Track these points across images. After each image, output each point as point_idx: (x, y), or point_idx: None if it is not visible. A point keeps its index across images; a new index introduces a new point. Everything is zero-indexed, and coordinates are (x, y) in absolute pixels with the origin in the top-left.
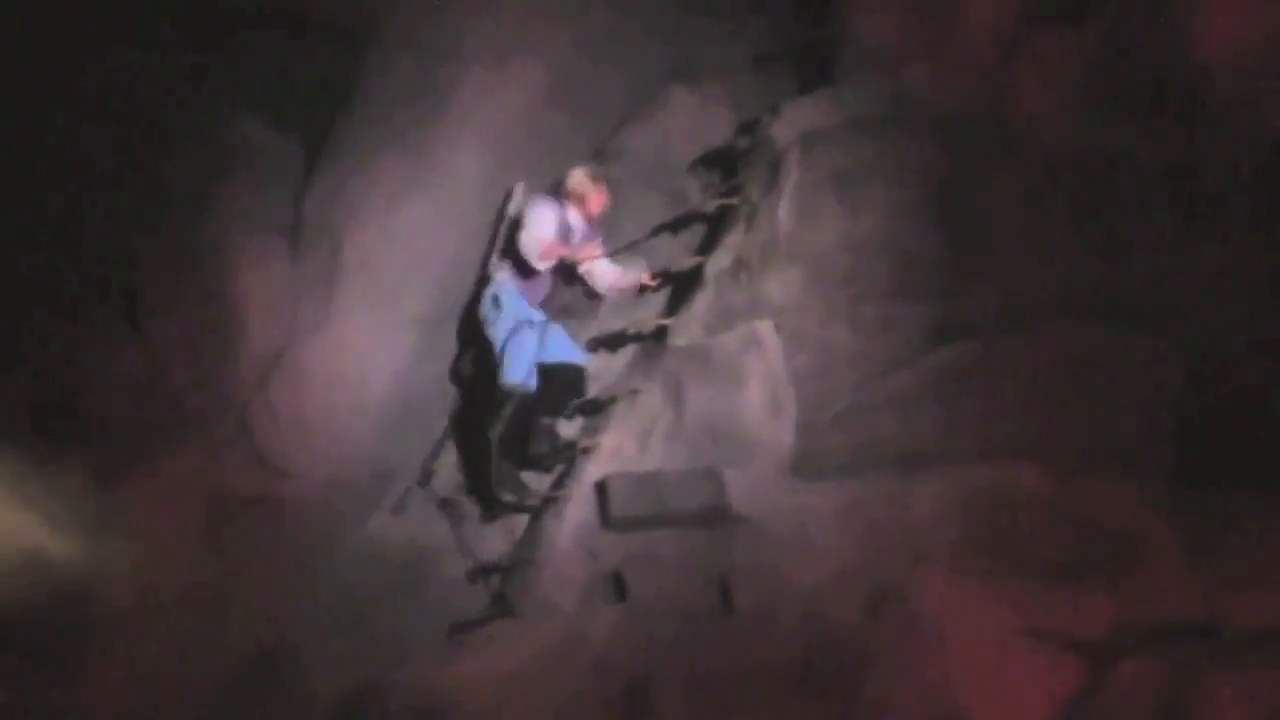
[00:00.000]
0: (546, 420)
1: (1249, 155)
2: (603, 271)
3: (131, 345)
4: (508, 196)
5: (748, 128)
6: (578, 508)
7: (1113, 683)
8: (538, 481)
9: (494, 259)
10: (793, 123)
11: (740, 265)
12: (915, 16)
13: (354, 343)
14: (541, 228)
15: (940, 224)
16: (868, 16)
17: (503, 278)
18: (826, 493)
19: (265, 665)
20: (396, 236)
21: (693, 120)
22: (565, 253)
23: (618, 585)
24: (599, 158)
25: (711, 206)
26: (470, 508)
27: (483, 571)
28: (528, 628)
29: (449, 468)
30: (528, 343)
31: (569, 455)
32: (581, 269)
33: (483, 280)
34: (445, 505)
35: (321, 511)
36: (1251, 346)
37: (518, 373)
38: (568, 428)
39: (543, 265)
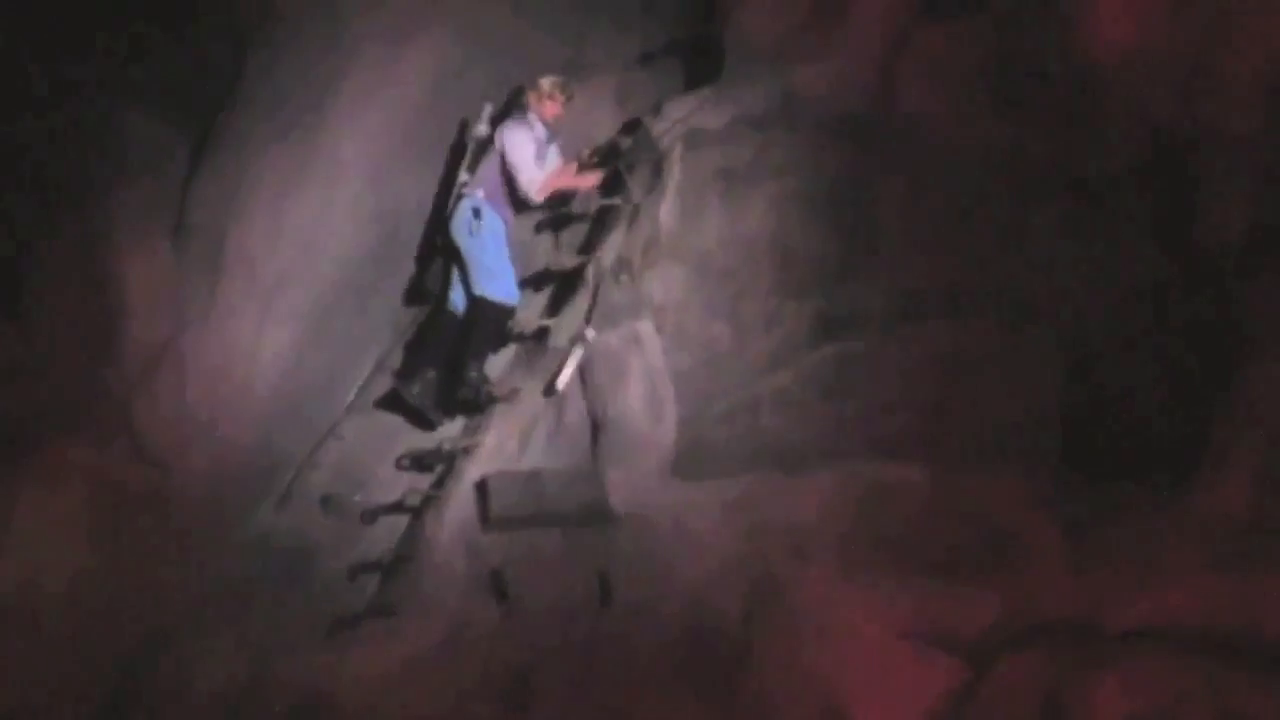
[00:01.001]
0: (474, 368)
1: (1134, 152)
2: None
3: (15, 337)
4: (464, 125)
5: (630, 126)
6: (459, 506)
7: (994, 679)
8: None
9: (464, 179)
10: (676, 121)
11: (622, 265)
12: (802, 14)
13: (239, 336)
14: (529, 167)
15: (825, 221)
16: (753, 14)
17: (480, 194)
18: (709, 490)
19: (148, 658)
20: (282, 230)
21: (579, 117)
22: (565, 184)
23: (499, 583)
24: None
25: (594, 206)
26: (352, 504)
27: (365, 568)
28: (410, 624)
29: (333, 463)
30: (505, 259)
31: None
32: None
33: (451, 198)
34: (328, 503)
35: (205, 505)
36: (1134, 342)
37: (500, 288)
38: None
39: (541, 199)
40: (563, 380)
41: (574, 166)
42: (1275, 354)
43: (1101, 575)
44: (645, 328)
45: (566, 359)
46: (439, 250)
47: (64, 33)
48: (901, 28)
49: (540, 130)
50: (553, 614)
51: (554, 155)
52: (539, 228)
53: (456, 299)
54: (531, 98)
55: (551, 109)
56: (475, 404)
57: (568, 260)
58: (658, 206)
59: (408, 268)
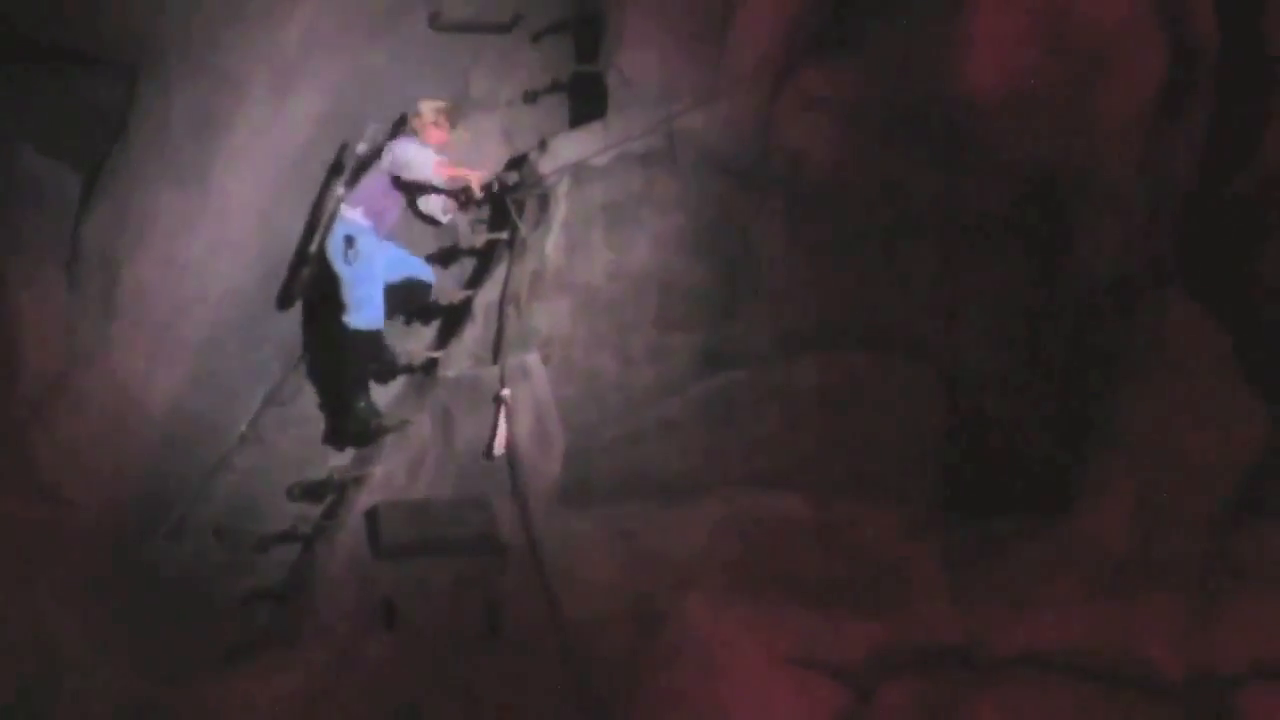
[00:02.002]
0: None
1: (1010, 190)
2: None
3: None
4: (344, 146)
5: (517, 163)
6: (349, 536)
7: (875, 705)
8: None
9: (341, 193)
10: (562, 157)
11: (509, 298)
12: (684, 53)
13: (131, 370)
14: (422, 153)
15: (708, 256)
16: (637, 54)
17: (352, 216)
18: (595, 520)
19: (40, 689)
20: (174, 265)
21: (465, 153)
22: (456, 172)
23: (389, 611)
24: None
25: (481, 240)
26: (244, 534)
27: (258, 597)
28: (301, 651)
29: (225, 494)
30: (377, 287)
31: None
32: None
33: (326, 221)
34: (220, 533)
35: (99, 537)
36: (1012, 375)
37: (367, 316)
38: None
39: (438, 180)
40: (499, 444)
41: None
42: (1148, 386)
43: (980, 603)
44: (532, 360)
45: (496, 423)
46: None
47: None
48: (782, 68)
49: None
50: (442, 642)
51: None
52: (427, 262)
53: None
54: (415, 124)
55: (436, 135)
56: (365, 436)
57: (455, 293)
58: (544, 241)
59: (295, 306)
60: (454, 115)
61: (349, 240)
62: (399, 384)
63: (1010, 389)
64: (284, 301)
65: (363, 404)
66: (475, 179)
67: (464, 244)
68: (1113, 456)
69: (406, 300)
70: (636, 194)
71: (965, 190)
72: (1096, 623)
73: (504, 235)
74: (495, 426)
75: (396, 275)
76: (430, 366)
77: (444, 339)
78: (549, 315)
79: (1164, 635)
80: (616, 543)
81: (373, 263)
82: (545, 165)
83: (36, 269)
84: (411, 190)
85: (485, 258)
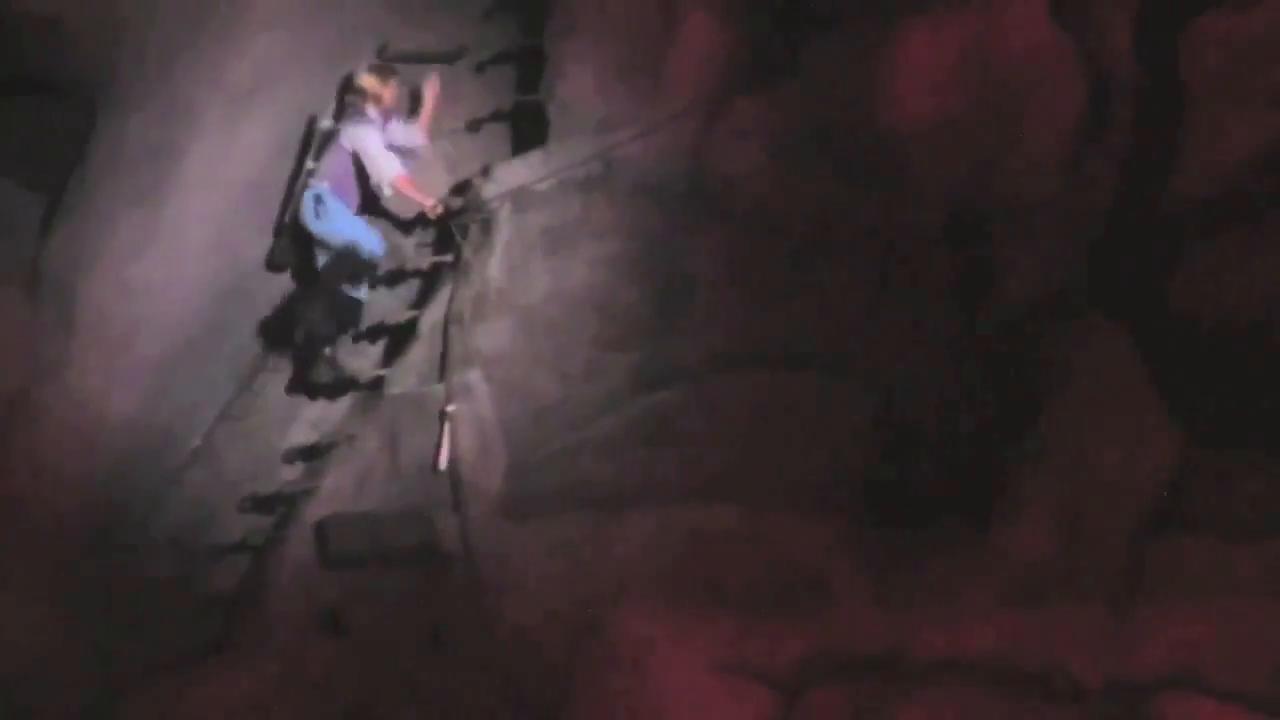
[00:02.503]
0: (314, 306)
1: (936, 215)
2: (408, 136)
3: None
4: (311, 119)
5: (461, 188)
6: (297, 546)
7: (802, 710)
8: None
9: (310, 167)
10: (504, 183)
11: (453, 318)
12: (622, 83)
13: (90, 387)
14: (383, 162)
15: (645, 278)
16: (576, 85)
17: (326, 186)
18: (535, 532)
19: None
20: (131, 287)
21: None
22: (414, 194)
23: (336, 620)
24: None
25: (426, 263)
26: (198, 544)
27: (211, 604)
28: (251, 659)
29: (179, 506)
30: (351, 229)
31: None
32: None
33: (298, 186)
34: (175, 543)
35: (58, 545)
36: (937, 392)
37: (367, 244)
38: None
39: (391, 193)
40: (443, 458)
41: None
42: (1067, 404)
43: (905, 612)
44: (475, 378)
45: (441, 437)
46: (294, 238)
47: None
48: (716, 97)
49: (382, 124)
50: (388, 649)
51: (412, 133)
52: (374, 284)
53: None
54: (361, 102)
55: (387, 99)
56: (334, 386)
57: (402, 313)
58: (487, 264)
59: (248, 323)
60: (386, 71)
61: (318, 199)
62: (348, 400)
63: (934, 406)
64: (271, 265)
65: (329, 353)
66: (429, 205)
67: (410, 266)
68: (1033, 471)
69: (352, 271)
70: (575, 219)
71: (892, 216)
72: (1017, 631)
73: (449, 258)
74: (440, 442)
75: (356, 237)
76: (377, 384)
77: (390, 357)
78: (491, 335)
79: (1082, 644)
80: (555, 554)
81: (345, 212)
82: (488, 191)
83: None
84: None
85: (430, 279)
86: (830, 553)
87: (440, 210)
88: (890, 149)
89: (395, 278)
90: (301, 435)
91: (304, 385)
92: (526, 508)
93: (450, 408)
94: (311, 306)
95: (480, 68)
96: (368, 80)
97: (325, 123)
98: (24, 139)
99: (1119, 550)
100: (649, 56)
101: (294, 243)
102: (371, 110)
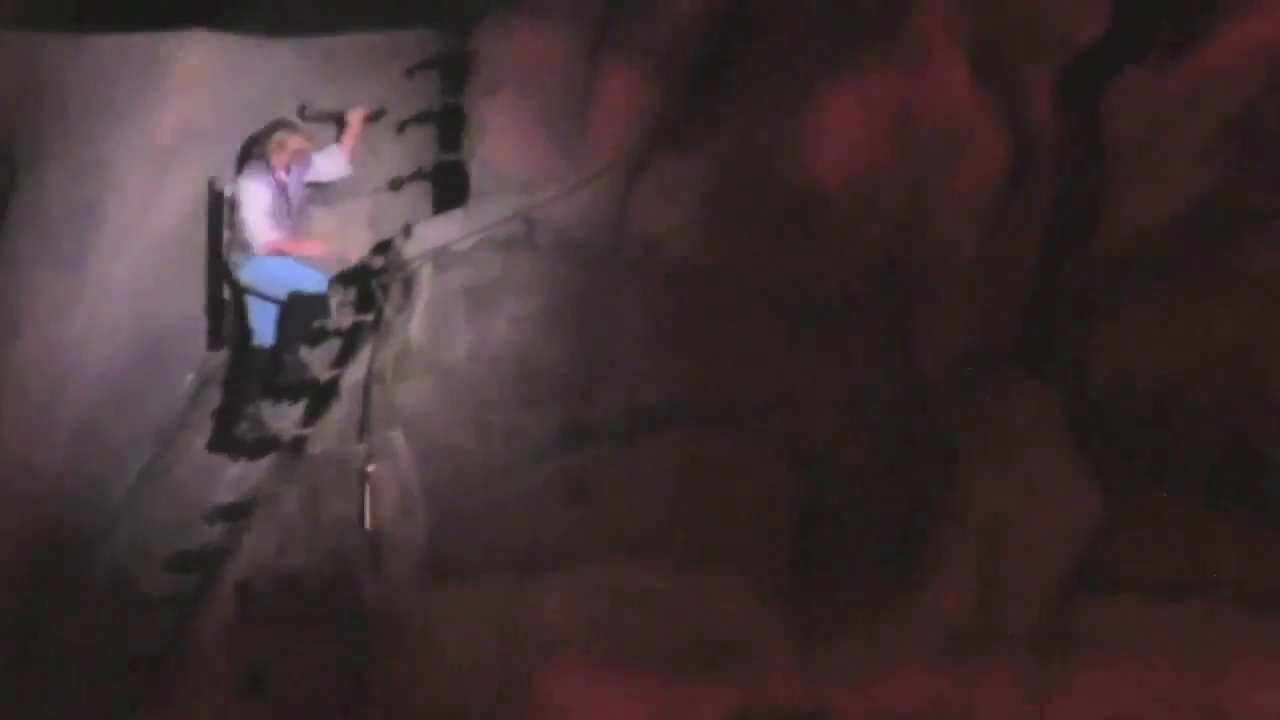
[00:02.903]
0: (290, 352)
1: (858, 272)
2: (326, 168)
3: None
4: (211, 182)
5: (382, 247)
6: (221, 606)
7: None
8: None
9: (227, 236)
10: (425, 242)
11: (374, 377)
12: (543, 142)
13: (12, 448)
14: (257, 226)
15: (565, 337)
16: (497, 143)
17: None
18: (457, 593)
19: None
20: (53, 347)
21: (331, 239)
22: (286, 246)
23: (257, 680)
24: None
25: (347, 322)
26: (122, 602)
27: (132, 664)
28: (175, 715)
29: (103, 565)
30: (267, 307)
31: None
32: (311, 178)
33: (225, 253)
34: (97, 601)
35: None
36: (860, 451)
37: (263, 330)
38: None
39: (263, 253)
40: (369, 519)
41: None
42: (988, 462)
43: (828, 671)
44: (397, 438)
45: (363, 498)
46: (230, 294)
47: None
48: (638, 154)
49: (282, 174)
50: (310, 710)
51: (335, 162)
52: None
53: (262, 331)
54: (261, 157)
55: (292, 152)
56: (298, 387)
57: (323, 372)
58: (408, 323)
59: (168, 381)
60: (286, 128)
61: (247, 258)
62: (269, 459)
63: (856, 465)
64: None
65: (289, 357)
66: (319, 250)
67: (331, 325)
68: (954, 530)
69: (307, 317)
70: (497, 278)
71: (813, 273)
72: (939, 691)
73: (369, 317)
74: (364, 503)
75: (294, 284)
76: (298, 444)
77: (312, 417)
78: (413, 394)
79: (1003, 703)
80: (479, 614)
81: (273, 265)
82: (409, 250)
83: None
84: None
85: (351, 338)
86: (754, 612)
87: (328, 251)
88: (813, 206)
89: (316, 336)
90: (223, 494)
91: (226, 443)
92: (449, 568)
93: (371, 468)
94: (280, 361)
95: (401, 127)
96: (268, 135)
97: (225, 186)
98: None
99: (1040, 609)
100: (570, 114)
101: (236, 313)
102: (273, 163)
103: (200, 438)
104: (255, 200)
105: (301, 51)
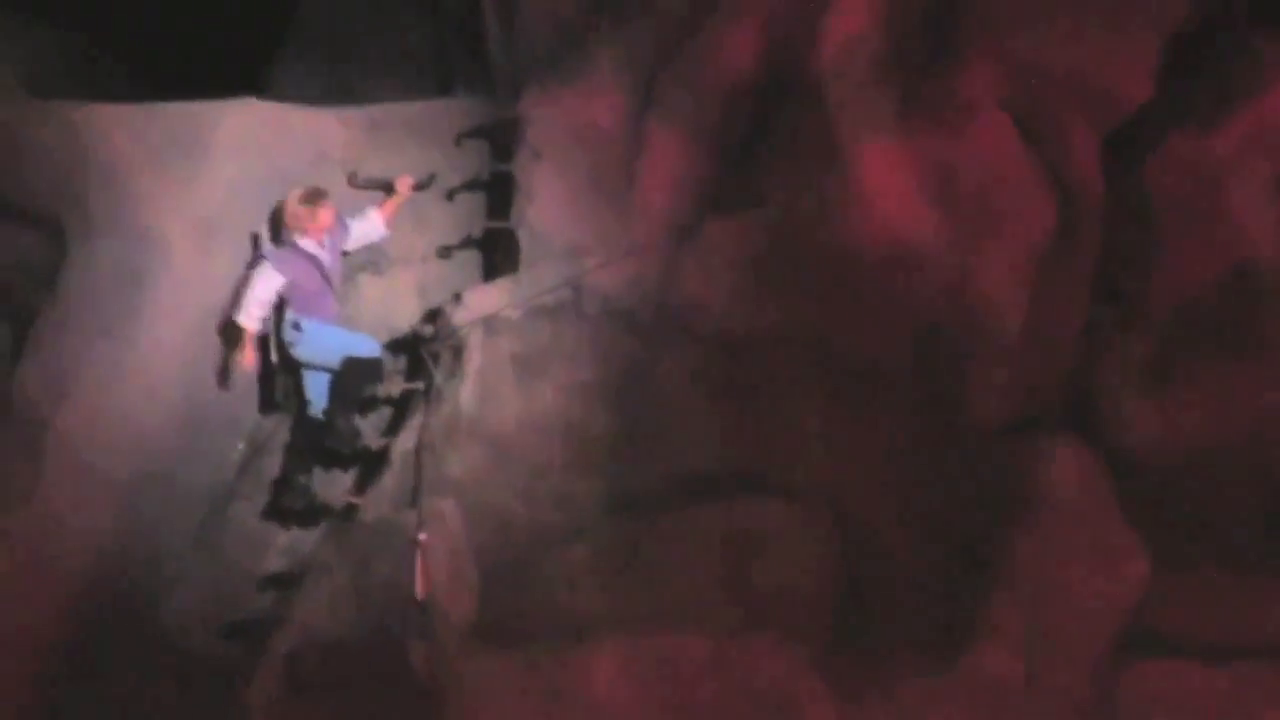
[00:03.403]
0: (343, 417)
1: (903, 335)
2: (364, 231)
3: None
4: (255, 239)
5: (432, 315)
6: (270, 675)
7: None
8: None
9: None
10: (475, 309)
11: (425, 445)
12: (591, 210)
13: (60, 516)
14: (249, 302)
15: (614, 403)
16: (546, 212)
17: (292, 312)
18: (506, 659)
19: None
20: (101, 412)
21: (379, 309)
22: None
23: None
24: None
25: (398, 390)
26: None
27: None
28: None
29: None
30: (322, 377)
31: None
32: (349, 246)
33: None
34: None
35: (24, 676)
36: (906, 516)
37: (361, 347)
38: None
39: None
40: (420, 586)
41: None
42: (1035, 526)
43: None
44: (447, 505)
45: (414, 566)
46: (281, 366)
47: None
48: (684, 221)
49: (309, 245)
50: None
51: (371, 224)
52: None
53: (316, 402)
54: (291, 231)
55: (323, 222)
56: (345, 455)
57: (374, 441)
58: (458, 390)
59: (217, 449)
60: (314, 197)
61: (295, 325)
62: (319, 528)
63: (902, 529)
64: (273, 407)
65: (342, 422)
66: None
67: (382, 393)
68: (1002, 594)
69: (360, 382)
70: (545, 345)
71: (858, 339)
72: None
73: (420, 385)
74: (414, 570)
75: (347, 350)
76: (350, 512)
77: (363, 485)
78: (463, 462)
79: None
80: (527, 680)
81: (326, 327)
82: (459, 317)
83: None
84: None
85: (402, 406)
86: (800, 678)
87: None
88: (857, 270)
89: (367, 405)
90: (274, 562)
91: (277, 512)
92: (497, 635)
93: (422, 535)
94: (333, 426)
95: (450, 195)
96: (295, 208)
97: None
98: None
99: (1088, 672)
100: (617, 181)
101: (286, 374)
102: (309, 237)
103: (250, 505)
104: (264, 284)
105: (347, 119)
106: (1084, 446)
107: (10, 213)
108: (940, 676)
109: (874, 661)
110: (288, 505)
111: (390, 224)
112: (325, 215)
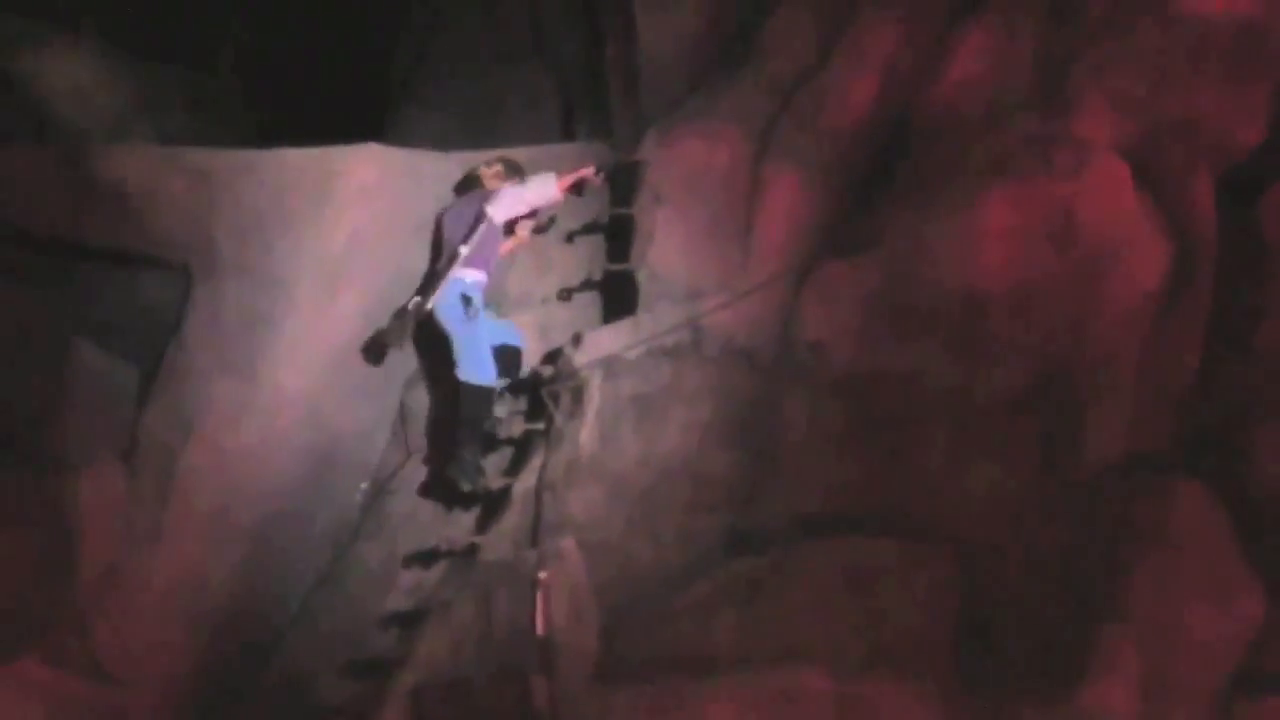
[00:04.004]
0: (470, 448)
1: (1020, 377)
2: (538, 193)
3: None
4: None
5: (552, 356)
6: (394, 714)
7: None
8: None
9: (464, 252)
10: (595, 351)
11: (546, 485)
12: (710, 251)
13: (187, 555)
14: (538, 185)
15: (733, 444)
16: (665, 253)
17: (472, 279)
18: (629, 697)
19: None
20: (228, 455)
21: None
22: (572, 179)
23: None
24: (411, 385)
25: (519, 431)
26: (296, 712)
27: None
28: None
29: (280, 673)
30: (487, 345)
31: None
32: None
33: (432, 282)
34: (273, 710)
35: (156, 717)
36: (1022, 554)
37: (483, 373)
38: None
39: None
40: (541, 624)
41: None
42: (1152, 564)
43: None
44: (568, 545)
45: (536, 603)
46: (422, 330)
47: (19, 272)
48: (803, 262)
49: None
50: None
51: (547, 186)
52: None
53: (475, 370)
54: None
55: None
56: (464, 490)
57: (495, 480)
58: (579, 430)
59: (341, 490)
60: (511, 167)
61: (466, 299)
62: (441, 567)
63: (1020, 568)
64: (384, 343)
65: (469, 456)
66: (589, 174)
67: (503, 434)
68: (1119, 632)
69: (504, 368)
70: (665, 386)
71: (977, 379)
72: None
73: (540, 425)
74: (536, 609)
75: (496, 340)
76: (471, 551)
77: (484, 525)
78: (583, 501)
79: None
80: (649, 717)
81: (482, 322)
82: (579, 359)
83: (96, 459)
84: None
85: (523, 447)
86: (921, 716)
87: (600, 176)
88: (974, 312)
89: (488, 445)
90: (397, 602)
91: (441, 491)
92: (619, 672)
93: (543, 574)
94: (460, 460)
95: (571, 237)
96: (489, 171)
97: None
98: (119, 309)
99: (1204, 710)
100: (736, 223)
101: (422, 334)
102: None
103: (374, 545)
104: (513, 193)
105: (470, 164)
106: (1199, 485)
107: (139, 257)
108: (1059, 713)
109: (995, 700)
110: (453, 479)
111: (564, 192)
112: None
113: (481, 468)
